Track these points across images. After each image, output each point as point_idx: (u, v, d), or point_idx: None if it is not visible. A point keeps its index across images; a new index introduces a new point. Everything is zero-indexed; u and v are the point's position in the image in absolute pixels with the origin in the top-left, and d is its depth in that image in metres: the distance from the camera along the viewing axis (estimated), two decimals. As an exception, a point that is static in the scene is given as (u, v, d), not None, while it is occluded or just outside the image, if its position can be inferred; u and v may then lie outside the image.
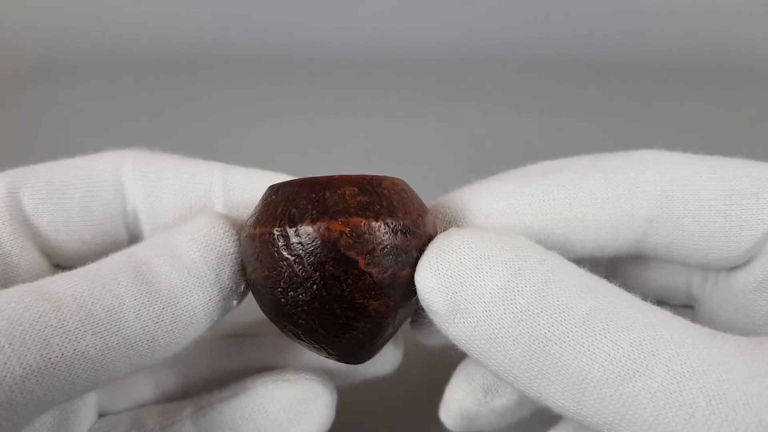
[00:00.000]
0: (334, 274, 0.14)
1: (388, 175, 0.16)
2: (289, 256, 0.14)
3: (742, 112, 0.52)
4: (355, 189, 0.14)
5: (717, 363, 0.12)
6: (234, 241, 0.16)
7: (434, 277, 0.14)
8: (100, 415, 0.20)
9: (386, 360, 0.21)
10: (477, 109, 0.53)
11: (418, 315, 0.17)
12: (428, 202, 0.18)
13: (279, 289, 0.14)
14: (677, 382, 0.12)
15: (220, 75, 0.59)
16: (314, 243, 0.14)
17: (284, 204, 0.15)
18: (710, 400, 0.11)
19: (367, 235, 0.14)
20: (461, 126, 0.50)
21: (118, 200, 0.18)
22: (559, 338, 0.12)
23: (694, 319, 0.20)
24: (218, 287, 0.15)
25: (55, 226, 0.17)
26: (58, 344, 0.12)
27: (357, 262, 0.14)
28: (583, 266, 0.20)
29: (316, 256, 0.14)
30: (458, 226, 0.17)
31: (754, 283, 0.17)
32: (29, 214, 0.17)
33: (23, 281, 0.16)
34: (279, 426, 0.19)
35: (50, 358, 0.12)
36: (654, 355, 0.12)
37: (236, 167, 0.19)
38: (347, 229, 0.14)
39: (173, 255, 0.15)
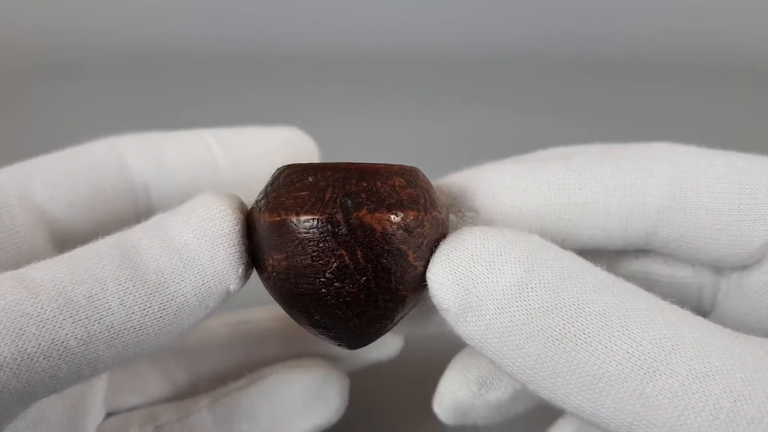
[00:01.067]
0: (387, 266, 0.14)
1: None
2: (340, 247, 0.13)
3: (742, 112, 0.52)
4: (402, 180, 0.14)
5: (741, 363, 0.11)
6: (233, 220, 0.14)
7: (446, 274, 0.13)
8: (109, 414, 0.20)
9: (389, 345, 0.21)
10: (477, 108, 0.53)
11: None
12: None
13: (323, 279, 0.14)
14: (700, 382, 0.11)
15: (220, 75, 0.59)
16: (372, 235, 0.13)
17: (332, 190, 0.14)
18: (735, 401, 0.11)
19: (419, 229, 0.14)
20: (461, 125, 0.50)
21: (124, 177, 0.18)
22: (575, 335, 0.12)
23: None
24: (212, 271, 0.14)
25: (72, 207, 0.17)
26: (34, 333, 0.12)
27: (407, 255, 0.14)
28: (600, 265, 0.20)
29: (372, 248, 0.13)
30: (465, 205, 0.17)
31: (767, 284, 0.16)
32: (44, 201, 0.17)
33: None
34: (296, 411, 0.19)
35: (26, 349, 0.12)
36: (675, 352, 0.11)
37: (225, 129, 0.20)
38: (404, 222, 0.14)
39: (164, 237, 0.14)
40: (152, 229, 0.14)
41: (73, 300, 0.12)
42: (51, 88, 0.57)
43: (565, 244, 0.18)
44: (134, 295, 0.13)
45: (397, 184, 0.14)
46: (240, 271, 0.15)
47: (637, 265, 0.20)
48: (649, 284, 0.20)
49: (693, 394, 0.11)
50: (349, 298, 0.14)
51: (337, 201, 0.14)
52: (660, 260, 0.19)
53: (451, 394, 0.19)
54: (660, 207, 0.17)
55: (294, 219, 0.14)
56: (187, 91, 0.56)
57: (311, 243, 0.13)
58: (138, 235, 0.14)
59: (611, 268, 0.20)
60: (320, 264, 0.13)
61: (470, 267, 0.13)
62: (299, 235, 0.14)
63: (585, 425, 0.18)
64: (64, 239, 0.18)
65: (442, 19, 0.66)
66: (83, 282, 0.13)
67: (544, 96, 0.56)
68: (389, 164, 0.15)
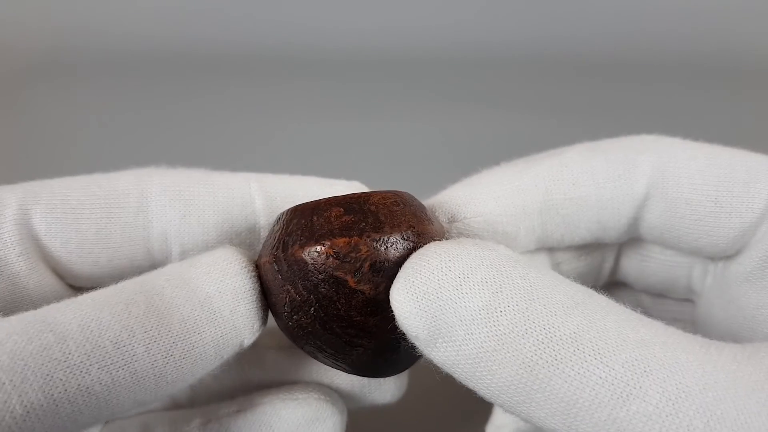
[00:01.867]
0: (327, 294, 0.14)
1: (400, 185, 0.17)
2: (286, 282, 0.14)
3: (741, 112, 0.52)
4: (341, 209, 0.15)
5: (713, 381, 0.11)
6: (251, 277, 0.15)
7: (411, 301, 0.13)
8: (105, 422, 0.20)
9: (386, 390, 0.20)
10: (476, 109, 0.53)
11: None
12: (428, 201, 0.18)
13: (285, 314, 0.15)
14: (673, 404, 0.11)
15: (220, 75, 0.59)
16: (304, 267, 0.14)
17: (280, 232, 0.15)
18: (707, 422, 0.11)
19: (352, 254, 0.14)
20: (460, 126, 0.50)
21: (140, 222, 0.17)
22: (547, 361, 0.12)
23: (694, 313, 0.20)
24: (231, 324, 0.14)
25: (68, 248, 0.17)
26: (61, 379, 0.12)
27: (346, 281, 0.14)
28: (587, 254, 0.19)
29: (308, 279, 0.14)
30: (471, 211, 0.17)
31: (744, 274, 0.17)
32: (41, 235, 0.16)
33: (33, 302, 0.16)
34: None
35: (53, 395, 0.12)
36: (647, 375, 0.11)
37: (269, 175, 0.18)
38: (332, 251, 0.14)
39: (187, 287, 0.14)
40: (175, 278, 0.14)
41: (100, 346, 0.12)
42: (51, 88, 0.57)
43: (564, 239, 0.18)
44: (159, 343, 0.13)
45: (333, 214, 0.15)
46: (256, 326, 0.15)
47: (631, 255, 0.20)
48: (641, 261, 0.20)
49: (666, 416, 0.11)
50: (309, 329, 0.15)
51: (281, 241, 0.15)
52: (651, 252, 0.20)
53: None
54: (645, 195, 0.17)
55: (261, 263, 0.15)
56: (186, 91, 0.56)
57: (269, 282, 0.15)
58: (161, 282, 0.14)
59: (611, 253, 0.21)
60: (279, 300, 0.15)
61: (437, 293, 0.13)
62: (266, 277, 0.15)
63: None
64: (64, 275, 0.17)
65: (442, 20, 0.66)
66: (111, 328, 0.13)
67: (543, 96, 0.56)
68: (337, 196, 0.15)
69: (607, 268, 0.21)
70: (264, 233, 0.18)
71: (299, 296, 0.14)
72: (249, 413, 0.18)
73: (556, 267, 0.21)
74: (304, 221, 0.15)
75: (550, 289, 0.13)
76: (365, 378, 0.18)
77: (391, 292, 0.14)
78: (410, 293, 0.13)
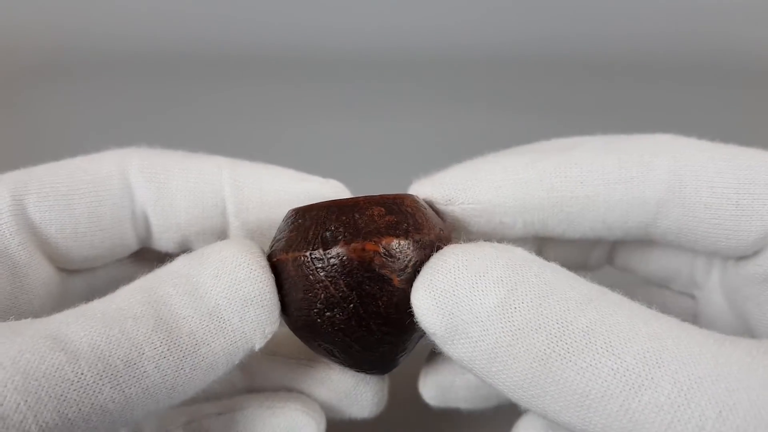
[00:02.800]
0: (371, 292, 0.14)
1: (404, 186, 0.17)
2: (325, 278, 0.14)
3: (742, 112, 0.52)
4: (382, 209, 0.15)
5: (725, 372, 0.11)
6: (264, 281, 0.14)
7: (430, 299, 0.13)
8: None
9: (365, 404, 0.19)
10: (476, 109, 0.53)
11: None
12: (426, 179, 0.18)
13: (315, 310, 0.15)
14: (685, 394, 0.11)
15: (220, 75, 0.59)
16: (350, 264, 0.14)
17: (315, 228, 0.15)
18: (720, 411, 0.11)
19: (399, 253, 0.14)
20: (460, 126, 0.50)
21: (126, 203, 0.18)
22: (560, 354, 0.12)
23: (696, 306, 0.20)
24: (241, 332, 0.14)
25: (64, 233, 0.17)
26: (75, 399, 0.12)
27: (391, 279, 0.14)
28: (591, 250, 0.19)
29: (352, 276, 0.14)
30: (468, 197, 0.17)
31: (764, 275, 0.17)
32: (36, 223, 0.16)
33: (32, 291, 0.16)
34: None
35: (67, 415, 0.12)
36: (659, 366, 0.11)
37: (243, 163, 0.19)
38: (381, 249, 0.14)
39: (195, 295, 0.14)
40: (183, 284, 0.14)
41: (111, 365, 0.12)
42: (51, 88, 0.57)
43: (565, 234, 0.18)
44: (169, 359, 0.13)
45: (376, 213, 0.15)
46: (267, 330, 0.15)
47: (632, 245, 0.20)
48: (645, 248, 0.20)
49: (678, 407, 0.11)
50: (342, 326, 0.15)
51: (318, 237, 0.15)
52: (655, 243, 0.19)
53: (434, 373, 0.19)
54: (660, 200, 0.17)
55: (285, 258, 0.15)
56: (186, 91, 0.56)
57: (300, 279, 0.15)
58: (168, 289, 0.14)
59: (606, 245, 0.21)
60: (311, 296, 0.15)
61: (453, 291, 0.13)
62: (291, 273, 0.15)
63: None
64: (58, 259, 0.17)
65: (442, 20, 0.66)
66: (120, 346, 0.13)
67: (544, 96, 0.56)
68: (371, 196, 0.15)
69: (600, 254, 0.21)
70: (233, 220, 0.18)
71: (339, 292, 0.14)
72: (229, 417, 0.18)
73: (543, 252, 0.20)
74: (345, 218, 0.15)
75: (565, 286, 0.13)
76: (346, 390, 0.18)
77: (412, 291, 0.14)
78: (429, 291, 0.13)
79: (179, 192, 0.18)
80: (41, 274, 0.17)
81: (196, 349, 0.13)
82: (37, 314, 0.15)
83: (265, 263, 0.15)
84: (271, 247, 0.16)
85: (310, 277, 0.15)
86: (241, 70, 0.60)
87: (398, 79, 0.59)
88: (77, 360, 0.12)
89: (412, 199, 0.16)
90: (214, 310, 0.14)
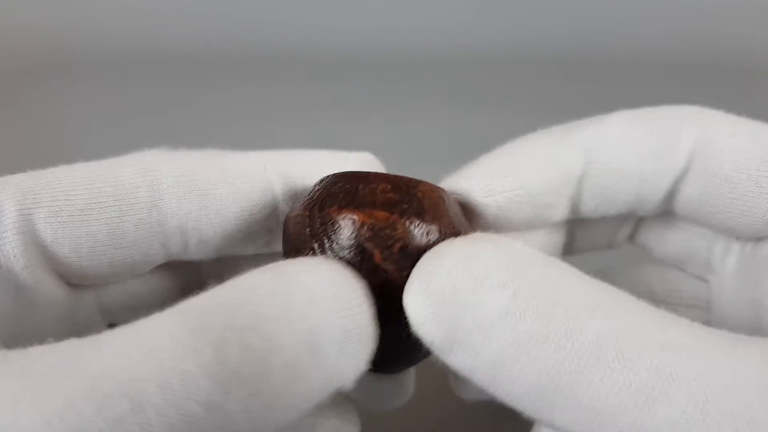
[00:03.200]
0: (351, 262, 0.14)
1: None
2: (314, 239, 0.14)
3: (742, 112, 0.52)
4: (388, 186, 0.15)
5: (742, 382, 0.11)
6: (365, 307, 0.13)
7: (427, 306, 0.12)
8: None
9: (393, 395, 0.18)
10: (476, 109, 0.53)
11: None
12: (456, 176, 0.17)
13: None
14: (700, 409, 0.10)
15: (220, 75, 0.59)
16: (337, 229, 0.14)
17: (321, 191, 0.15)
18: (737, 426, 0.10)
19: (387, 230, 0.14)
20: (461, 126, 0.50)
21: (154, 218, 0.16)
22: (569, 368, 0.11)
23: (708, 291, 0.20)
24: (337, 368, 0.12)
25: (80, 253, 0.15)
26: None
27: (373, 255, 0.14)
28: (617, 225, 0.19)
29: (338, 242, 0.14)
30: (513, 183, 0.16)
31: None
32: (47, 242, 0.15)
33: (39, 315, 0.15)
34: None
35: None
36: (674, 379, 0.11)
37: (282, 154, 0.17)
38: (369, 221, 0.14)
39: (288, 319, 0.11)
40: (271, 305, 0.11)
41: (188, 412, 0.10)
42: (51, 88, 0.57)
43: (598, 211, 0.18)
44: (260, 399, 0.11)
45: (380, 188, 0.14)
46: (361, 368, 0.13)
47: (654, 223, 0.20)
48: (665, 227, 0.20)
49: (694, 422, 0.11)
50: None
51: (320, 200, 0.15)
52: (675, 220, 0.19)
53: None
54: (684, 169, 0.17)
55: (289, 215, 0.15)
56: (186, 91, 0.56)
57: (294, 236, 0.15)
58: (255, 309, 0.11)
59: (629, 223, 0.20)
60: (300, 255, 0.15)
61: (453, 298, 0.12)
62: (288, 231, 0.15)
63: None
64: (72, 277, 0.16)
65: (442, 20, 0.66)
66: (201, 387, 0.10)
67: (544, 96, 0.56)
68: (386, 174, 0.15)
69: (626, 232, 0.21)
70: (284, 218, 0.17)
71: (323, 254, 0.14)
72: None
73: (574, 235, 0.20)
74: (349, 186, 0.15)
75: (570, 289, 0.12)
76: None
77: (404, 295, 0.13)
78: (425, 297, 0.12)
79: (226, 199, 0.16)
80: (51, 295, 0.15)
81: (291, 385, 0.11)
82: (43, 337, 0.13)
83: (364, 290, 0.13)
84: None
85: (302, 235, 0.15)
86: (241, 70, 0.60)
87: (398, 79, 0.59)
88: (143, 408, 0.10)
89: (431, 188, 0.15)
90: (312, 339, 0.11)
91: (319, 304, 0.12)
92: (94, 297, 0.17)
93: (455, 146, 0.47)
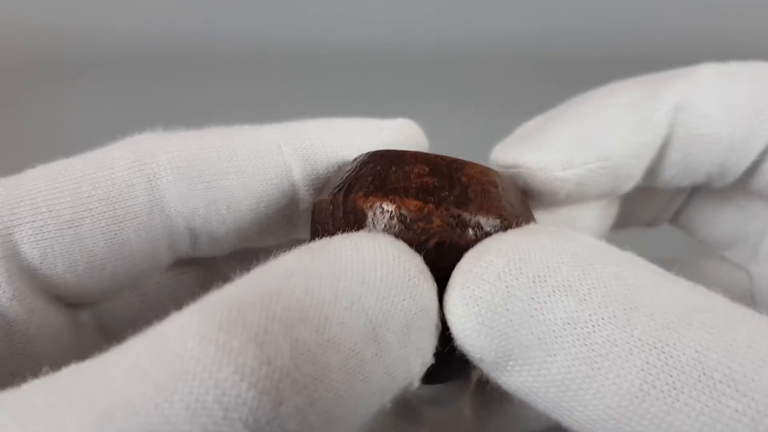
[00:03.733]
0: None
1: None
2: (336, 229, 0.12)
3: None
4: (426, 168, 0.12)
5: None
6: (428, 289, 0.10)
7: (473, 316, 0.10)
8: None
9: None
10: (477, 108, 0.53)
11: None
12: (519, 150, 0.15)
13: None
14: None
15: (221, 74, 0.59)
16: (362, 220, 0.12)
17: (350, 173, 0.13)
18: None
19: (421, 223, 0.11)
20: (461, 126, 0.50)
21: (157, 221, 0.13)
22: (662, 390, 0.09)
23: (751, 282, 0.17)
24: (404, 361, 0.10)
25: (76, 271, 0.13)
26: None
27: None
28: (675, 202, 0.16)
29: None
30: (586, 156, 0.13)
31: None
32: (35, 264, 0.12)
33: (37, 344, 0.12)
34: None
35: None
36: None
37: (301, 128, 0.14)
38: (398, 211, 0.11)
39: (342, 306, 0.09)
40: (322, 287, 0.09)
41: None
42: (51, 88, 0.57)
43: (674, 181, 0.15)
44: (319, 405, 0.09)
45: (416, 171, 0.12)
46: (428, 360, 0.11)
47: (705, 198, 0.17)
48: (719, 203, 0.17)
49: None
50: None
51: (346, 184, 0.12)
52: (739, 185, 0.17)
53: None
54: None
55: (316, 200, 0.13)
56: (187, 90, 0.56)
57: (319, 224, 0.13)
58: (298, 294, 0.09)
59: (681, 195, 0.17)
60: None
61: (505, 304, 0.10)
62: (314, 216, 0.13)
63: None
64: (71, 298, 0.14)
65: (442, 19, 0.66)
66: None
67: (544, 96, 0.56)
68: (425, 153, 0.12)
69: (674, 208, 0.18)
70: (306, 204, 0.15)
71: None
72: None
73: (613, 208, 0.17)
74: (379, 168, 0.12)
75: (655, 291, 0.10)
76: None
77: (445, 302, 0.11)
78: (471, 305, 0.10)
79: (238, 190, 0.14)
80: (48, 323, 0.13)
81: (351, 387, 0.09)
82: (41, 365, 0.11)
83: (423, 265, 0.11)
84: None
85: (325, 226, 0.12)
86: (242, 69, 0.60)
87: (398, 77, 0.59)
88: None
89: (481, 170, 0.12)
90: (370, 328, 0.09)
91: (374, 286, 0.10)
92: (91, 315, 0.15)
93: (455, 146, 0.47)
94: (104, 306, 0.15)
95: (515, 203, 0.13)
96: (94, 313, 0.15)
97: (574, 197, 0.14)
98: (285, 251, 0.11)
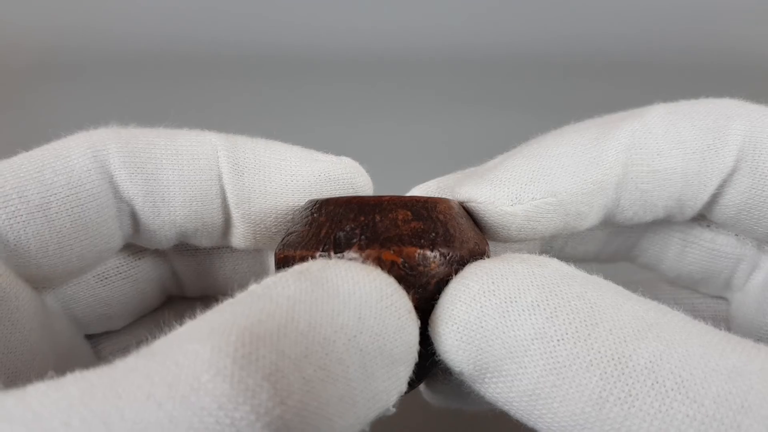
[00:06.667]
0: None
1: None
2: None
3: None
4: (409, 213, 0.13)
5: None
6: (414, 330, 0.11)
7: (454, 334, 0.11)
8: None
9: None
10: (476, 109, 0.53)
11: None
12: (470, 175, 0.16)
13: None
14: None
15: (220, 75, 0.59)
16: None
17: (329, 225, 0.13)
18: None
19: (421, 267, 0.12)
20: (460, 126, 0.50)
21: (110, 200, 0.15)
22: (619, 397, 0.10)
23: (728, 309, 0.18)
24: (385, 391, 0.11)
25: (47, 251, 0.14)
26: None
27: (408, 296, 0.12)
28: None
29: None
30: (541, 190, 0.14)
31: None
32: (11, 243, 0.13)
33: (25, 326, 0.13)
34: None
35: None
36: (746, 412, 0.09)
37: (241, 141, 0.16)
38: (400, 260, 0.12)
39: (341, 342, 0.10)
40: (324, 326, 0.10)
41: None
42: (51, 88, 0.57)
43: (635, 218, 0.16)
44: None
45: (400, 217, 0.13)
46: (403, 390, 0.12)
47: (676, 225, 0.18)
48: (684, 246, 0.18)
49: None
50: None
51: (331, 237, 0.13)
52: (702, 222, 0.17)
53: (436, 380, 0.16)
54: (732, 168, 0.15)
55: (293, 255, 0.13)
56: (187, 91, 0.56)
57: None
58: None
59: (634, 234, 0.18)
60: None
61: (480, 323, 0.11)
62: None
63: None
64: (42, 281, 0.15)
65: (442, 20, 0.66)
66: None
67: (544, 96, 0.56)
68: (398, 197, 0.13)
69: (621, 246, 0.19)
70: (234, 211, 0.16)
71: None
72: None
73: (560, 252, 0.18)
74: (363, 219, 0.13)
75: (615, 309, 0.11)
76: None
77: (430, 324, 0.12)
78: (451, 324, 0.11)
79: (172, 185, 0.15)
80: (27, 305, 0.14)
81: (344, 417, 0.10)
82: (29, 356, 0.12)
83: (411, 307, 0.12)
84: (284, 239, 0.14)
85: None
86: (241, 70, 0.60)
87: (398, 79, 0.59)
88: None
89: (446, 204, 0.14)
90: (363, 363, 0.10)
91: (369, 323, 0.10)
92: (56, 299, 0.16)
93: (455, 146, 0.47)
94: (67, 291, 0.16)
95: (475, 229, 0.14)
96: (58, 299, 0.16)
97: (527, 232, 0.15)
98: (243, 259, 0.11)
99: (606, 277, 0.20)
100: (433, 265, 0.12)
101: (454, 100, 0.55)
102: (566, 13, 0.65)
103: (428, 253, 0.12)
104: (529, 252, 0.18)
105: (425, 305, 0.12)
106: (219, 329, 0.09)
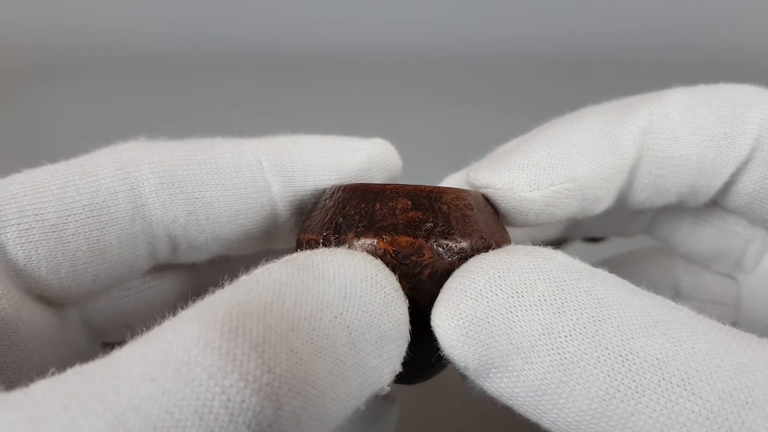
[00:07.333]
0: None
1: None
2: None
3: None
4: (409, 202, 0.13)
5: None
6: (402, 306, 0.12)
7: (457, 328, 0.11)
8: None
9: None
10: (477, 109, 0.53)
11: None
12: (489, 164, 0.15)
13: None
14: None
15: (220, 75, 0.59)
16: None
17: (334, 211, 0.13)
18: None
19: (413, 257, 0.12)
20: (460, 126, 0.50)
21: (138, 228, 0.14)
22: (626, 394, 0.10)
23: (738, 289, 0.18)
24: (377, 369, 0.11)
25: (58, 274, 0.13)
26: None
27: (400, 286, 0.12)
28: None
29: None
30: (560, 176, 0.14)
31: None
32: (20, 265, 0.13)
33: (27, 344, 0.13)
34: None
35: None
36: (751, 408, 0.09)
37: (280, 145, 0.15)
38: (391, 248, 0.12)
39: (327, 318, 0.10)
40: (310, 304, 0.10)
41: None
42: (51, 88, 0.57)
43: (647, 202, 0.16)
44: (310, 413, 0.10)
45: (399, 206, 0.13)
46: (397, 368, 0.12)
47: (683, 217, 0.18)
48: (695, 223, 0.18)
49: None
50: None
51: (333, 222, 0.13)
52: (711, 204, 0.17)
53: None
54: (748, 156, 0.15)
55: (302, 239, 0.13)
56: (187, 91, 0.56)
57: None
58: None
59: (646, 215, 0.18)
60: None
61: (486, 318, 0.11)
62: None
63: None
64: (54, 299, 0.14)
65: (442, 20, 0.66)
66: None
67: (544, 96, 0.56)
68: (404, 185, 0.13)
69: (641, 224, 0.19)
70: (284, 218, 0.16)
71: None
72: None
73: (580, 223, 0.18)
74: (365, 206, 0.13)
75: (622, 304, 0.11)
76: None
77: (432, 317, 0.12)
78: (455, 318, 0.11)
79: (216, 201, 0.14)
80: (36, 322, 0.13)
81: (335, 391, 0.10)
82: (37, 370, 0.12)
83: (398, 285, 0.12)
84: (302, 223, 0.14)
85: None
86: (242, 69, 0.60)
87: (398, 79, 0.59)
88: None
89: (456, 195, 0.13)
90: (351, 339, 0.10)
91: (354, 301, 0.11)
92: (77, 312, 0.16)
93: (455, 146, 0.47)
94: (89, 303, 0.16)
95: (489, 221, 0.14)
96: (79, 310, 0.15)
97: (544, 217, 0.15)
98: (266, 260, 0.11)
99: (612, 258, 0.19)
100: (426, 255, 0.12)
101: (454, 100, 0.55)
102: (566, 12, 0.65)
103: (421, 242, 0.12)
104: (551, 231, 0.17)
105: (418, 295, 0.12)
106: (207, 310, 0.09)
